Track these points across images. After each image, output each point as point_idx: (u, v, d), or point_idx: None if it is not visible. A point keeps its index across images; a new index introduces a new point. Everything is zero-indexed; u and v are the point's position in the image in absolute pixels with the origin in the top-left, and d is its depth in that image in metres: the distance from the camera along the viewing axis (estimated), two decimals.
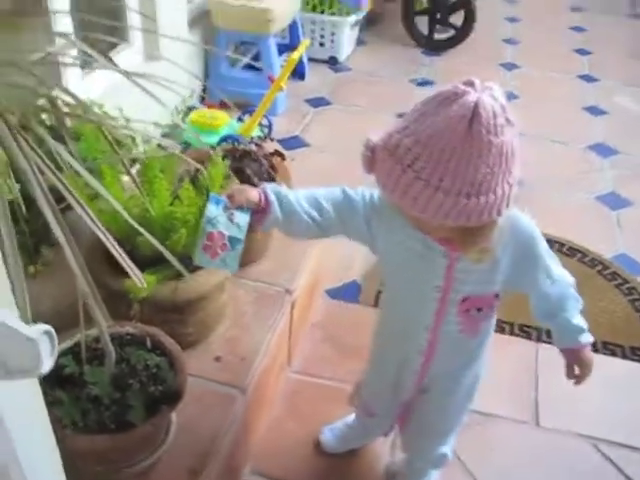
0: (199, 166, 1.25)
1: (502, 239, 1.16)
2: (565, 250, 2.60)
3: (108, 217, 1.39)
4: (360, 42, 4.28)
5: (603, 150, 3.32)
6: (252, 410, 1.60)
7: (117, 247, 0.96)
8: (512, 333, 2.22)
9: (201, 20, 3.28)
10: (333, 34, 3.89)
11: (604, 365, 2.09)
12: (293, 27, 3.67)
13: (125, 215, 1.01)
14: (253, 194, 1.20)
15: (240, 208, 1.19)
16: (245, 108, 2.86)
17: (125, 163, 1.19)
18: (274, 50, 3.33)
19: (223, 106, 2.82)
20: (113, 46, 2.57)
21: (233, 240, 1.18)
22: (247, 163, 1.85)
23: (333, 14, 3.86)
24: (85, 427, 1.21)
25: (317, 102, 3.59)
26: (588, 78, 4.06)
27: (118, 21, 2.46)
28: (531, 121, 3.34)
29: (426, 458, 1.62)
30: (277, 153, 1.96)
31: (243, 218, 1.18)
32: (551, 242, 2.56)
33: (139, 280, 0.97)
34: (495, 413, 1.90)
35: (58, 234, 0.81)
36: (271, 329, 1.70)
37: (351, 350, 2.03)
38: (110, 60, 1.09)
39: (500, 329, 2.21)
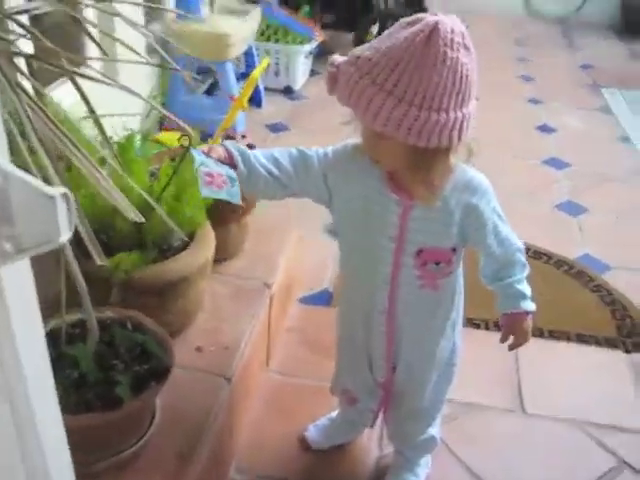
0: (187, 130, 1.21)
1: (456, 189, 1.20)
2: (530, 254, 2.62)
3: (86, 201, 1.35)
4: (314, 72, 4.35)
5: (557, 163, 3.42)
6: (237, 399, 1.54)
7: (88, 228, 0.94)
8: (487, 329, 2.21)
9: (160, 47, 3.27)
10: (288, 63, 3.94)
11: (581, 354, 2.11)
12: (249, 55, 3.71)
13: (138, 189, 0.99)
14: (218, 150, 1.22)
15: None
16: (204, 133, 2.85)
17: (108, 139, 1.17)
18: (232, 75, 3.34)
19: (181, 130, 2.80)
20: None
21: (230, 177, 1.16)
22: None
23: (287, 43, 3.92)
24: (70, 408, 1.14)
25: (275, 127, 3.61)
26: (535, 101, 4.21)
27: (75, 43, 2.44)
28: (491, 137, 3.41)
29: (414, 444, 1.58)
30: (249, 146, 1.94)
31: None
32: None
33: (99, 257, 0.95)
34: (480, 403, 1.88)
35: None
36: (253, 319, 1.65)
37: (329, 351, 1.94)
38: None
39: (475, 326, 2.21)
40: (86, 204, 1.34)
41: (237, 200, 1.19)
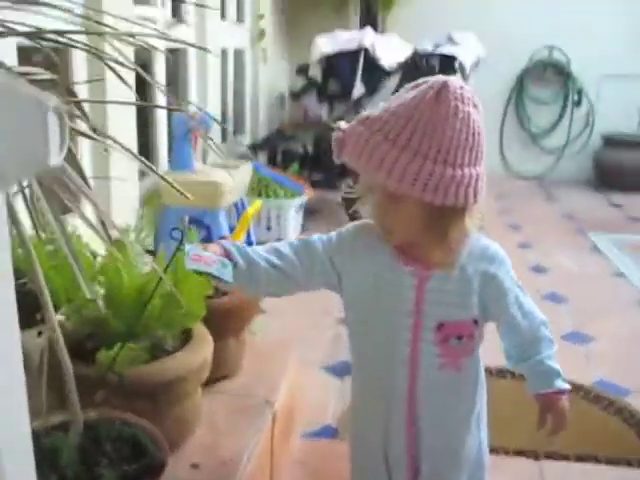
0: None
1: (472, 257, 1.16)
2: None
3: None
4: (304, 229, 4.41)
5: (556, 298, 3.37)
6: None
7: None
8: (506, 454, 2.02)
9: (152, 199, 3.33)
10: (279, 217, 4.01)
11: (613, 475, 1.93)
12: (240, 208, 3.77)
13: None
14: (213, 246, 1.16)
15: None
16: None
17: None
18: (225, 225, 3.37)
19: None
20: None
21: (222, 262, 1.08)
22: None
23: (278, 197, 4.01)
24: None
25: None
26: (524, 246, 4.26)
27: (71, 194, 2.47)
28: None
29: None
30: None
31: None
32: None
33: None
34: None
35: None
36: (255, 435, 1.49)
37: None
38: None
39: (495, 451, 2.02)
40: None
41: (228, 278, 1.11)
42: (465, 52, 4.04)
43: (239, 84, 4.91)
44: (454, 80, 1.06)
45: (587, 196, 5.64)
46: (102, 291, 1.27)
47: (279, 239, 3.92)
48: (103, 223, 1.08)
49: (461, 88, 1.05)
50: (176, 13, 3.59)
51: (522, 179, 6.03)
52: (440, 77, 1.06)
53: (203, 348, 1.38)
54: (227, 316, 1.61)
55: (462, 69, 4.00)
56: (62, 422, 1.13)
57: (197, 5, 3.51)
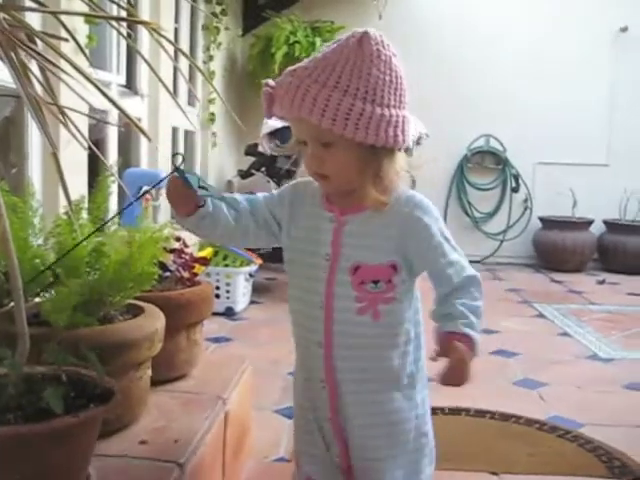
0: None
1: (397, 203, 1.19)
2: (497, 417, 2.47)
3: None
4: (254, 302, 4.38)
5: (505, 353, 3.39)
6: None
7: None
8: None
9: None
10: (228, 284, 3.98)
11: None
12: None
13: None
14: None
15: None
16: None
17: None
18: None
19: None
20: None
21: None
22: None
23: (227, 266, 4.01)
24: None
25: (217, 339, 3.53)
26: None
27: None
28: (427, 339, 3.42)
29: None
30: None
31: None
32: (482, 412, 2.46)
33: None
34: None
35: None
36: (206, 421, 1.43)
37: None
38: None
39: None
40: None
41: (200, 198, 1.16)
42: None
43: (189, 165, 5.00)
44: (374, 30, 1.14)
45: (530, 274, 5.80)
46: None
47: (229, 307, 3.91)
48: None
49: (381, 36, 1.14)
50: (130, 83, 3.71)
51: None
52: (360, 29, 1.13)
53: (155, 319, 1.35)
54: (183, 309, 1.58)
55: None
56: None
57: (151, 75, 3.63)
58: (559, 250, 5.83)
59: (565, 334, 3.80)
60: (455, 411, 2.47)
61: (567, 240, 5.81)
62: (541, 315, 4.28)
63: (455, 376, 1.13)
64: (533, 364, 3.21)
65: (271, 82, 1.17)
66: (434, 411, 2.41)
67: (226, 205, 1.20)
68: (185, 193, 1.14)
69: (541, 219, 6.09)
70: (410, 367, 1.24)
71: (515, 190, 6.22)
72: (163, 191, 3.24)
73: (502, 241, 6.24)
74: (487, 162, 6.25)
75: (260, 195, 1.30)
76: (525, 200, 6.26)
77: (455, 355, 1.12)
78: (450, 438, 2.22)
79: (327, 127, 1.09)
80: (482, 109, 6.03)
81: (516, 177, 6.20)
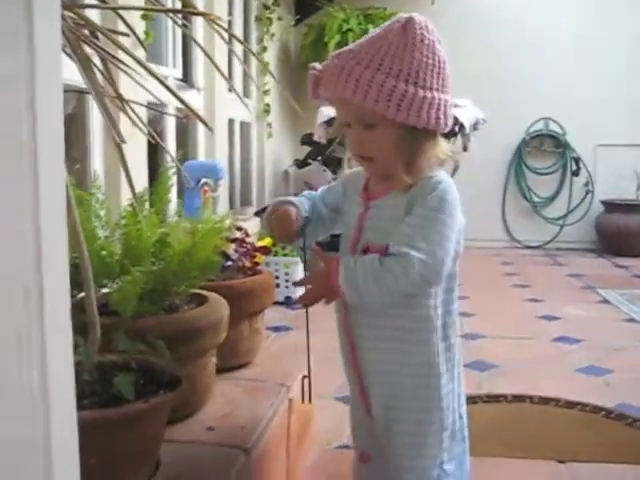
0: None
1: (419, 187, 1.16)
2: (562, 404, 2.42)
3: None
4: None
5: (568, 340, 3.32)
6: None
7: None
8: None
9: None
10: (287, 274, 4.01)
11: None
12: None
13: None
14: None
15: None
16: None
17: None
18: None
19: None
20: None
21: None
22: None
23: (286, 255, 4.04)
24: None
25: (277, 328, 3.56)
26: (534, 300, 4.23)
27: None
28: (495, 327, 3.40)
29: None
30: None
31: None
32: (546, 399, 2.42)
33: None
34: None
35: None
36: (271, 408, 1.45)
37: None
38: None
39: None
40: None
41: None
42: (463, 112, 4.18)
43: (245, 156, 5.05)
44: (418, 15, 1.14)
45: (592, 260, 5.66)
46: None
47: (287, 297, 3.95)
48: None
49: (425, 21, 1.15)
50: (187, 77, 3.76)
51: (526, 248, 6.07)
52: (405, 14, 1.14)
53: (219, 308, 1.37)
54: (246, 297, 1.60)
55: (462, 128, 4.13)
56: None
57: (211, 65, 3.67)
58: (623, 234, 5.66)
59: (631, 320, 3.70)
60: (519, 398, 2.44)
61: (631, 224, 5.64)
62: (605, 300, 4.17)
63: (312, 294, 1.24)
64: (598, 351, 3.14)
65: (318, 65, 1.19)
66: (497, 399, 2.44)
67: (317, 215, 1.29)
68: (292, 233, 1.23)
69: (603, 202, 5.93)
70: (434, 348, 1.23)
71: (575, 174, 6.07)
72: (222, 182, 3.26)
73: (562, 226, 6.09)
74: (546, 145, 6.11)
75: (325, 187, 1.37)
76: (586, 184, 6.10)
77: (322, 286, 1.20)
78: (515, 426, 2.20)
79: (369, 107, 1.10)
80: (541, 92, 5.90)
81: (576, 160, 6.05)
